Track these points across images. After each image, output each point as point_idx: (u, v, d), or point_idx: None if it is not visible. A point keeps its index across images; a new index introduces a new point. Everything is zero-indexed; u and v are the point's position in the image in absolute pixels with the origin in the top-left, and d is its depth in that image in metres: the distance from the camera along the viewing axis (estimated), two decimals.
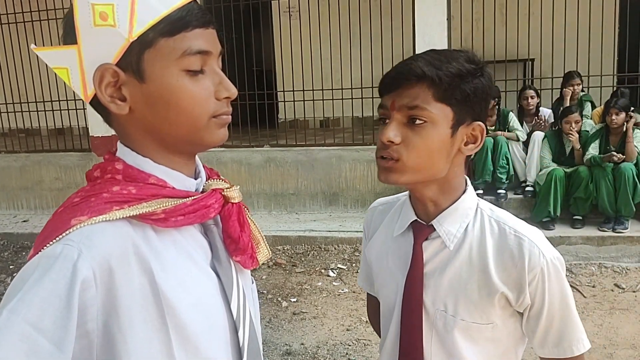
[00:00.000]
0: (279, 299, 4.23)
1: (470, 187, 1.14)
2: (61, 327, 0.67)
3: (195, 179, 0.87)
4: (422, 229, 1.12)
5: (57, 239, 0.72)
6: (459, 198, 1.11)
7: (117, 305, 0.72)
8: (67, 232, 0.72)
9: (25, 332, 0.65)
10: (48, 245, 0.71)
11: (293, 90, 6.24)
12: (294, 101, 6.29)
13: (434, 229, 1.10)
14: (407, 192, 1.19)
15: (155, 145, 0.81)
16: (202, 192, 0.85)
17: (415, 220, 1.13)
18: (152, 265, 0.75)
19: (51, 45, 0.82)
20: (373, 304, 1.36)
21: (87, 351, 0.70)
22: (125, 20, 0.75)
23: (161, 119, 0.79)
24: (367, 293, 1.40)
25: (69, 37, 0.78)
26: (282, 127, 7.31)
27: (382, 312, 1.23)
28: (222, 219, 0.86)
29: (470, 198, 1.12)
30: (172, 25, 0.76)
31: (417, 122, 1.00)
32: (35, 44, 0.83)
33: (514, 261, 1.06)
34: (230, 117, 0.84)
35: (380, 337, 1.30)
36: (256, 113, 6.14)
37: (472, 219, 1.10)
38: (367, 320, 3.76)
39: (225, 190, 0.86)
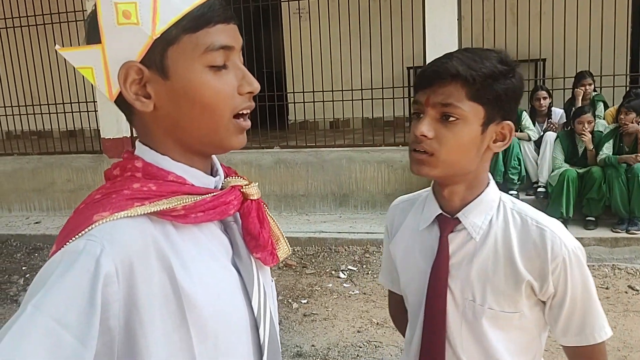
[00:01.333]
0: (290, 300, 4.23)
1: (492, 181, 1.18)
2: (85, 322, 0.67)
3: (214, 176, 0.87)
4: (447, 222, 1.16)
5: (80, 234, 0.72)
6: (483, 191, 1.15)
7: (138, 301, 0.72)
8: (90, 227, 0.72)
9: (49, 327, 0.65)
10: (71, 241, 0.72)
11: (303, 92, 6.24)
12: (303, 102, 6.29)
13: (459, 222, 1.15)
14: (428, 188, 1.24)
15: (175, 143, 0.82)
16: (220, 189, 0.85)
17: (441, 213, 1.17)
18: (172, 262, 0.76)
19: (66, 46, 0.83)
20: (395, 301, 1.40)
21: (108, 347, 0.71)
22: (148, 17, 0.75)
23: (184, 116, 0.80)
24: (389, 291, 1.43)
25: (93, 36, 0.79)
26: (292, 129, 7.31)
27: (409, 306, 1.26)
28: (242, 215, 0.87)
29: (494, 191, 1.17)
30: (194, 22, 0.77)
31: (450, 118, 1.05)
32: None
33: (537, 251, 1.10)
34: (249, 122, 0.85)
35: (403, 335, 1.33)
36: (266, 114, 6.15)
37: (495, 211, 1.15)
38: (378, 322, 3.76)
39: (244, 187, 0.86)
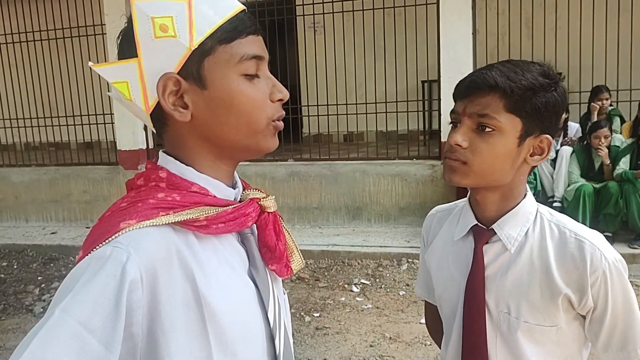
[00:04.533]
0: (302, 313, 4.22)
1: (529, 192, 1.17)
2: (110, 327, 0.68)
3: (233, 189, 0.89)
4: (482, 233, 1.15)
5: (107, 241, 0.73)
6: (519, 203, 1.14)
7: (161, 309, 0.73)
8: (116, 235, 0.74)
9: (76, 331, 0.67)
10: (98, 247, 0.73)
11: (317, 105, 6.27)
12: (318, 115, 6.31)
13: (495, 233, 1.13)
14: (465, 199, 1.23)
15: (208, 152, 0.84)
16: (239, 201, 0.87)
17: (476, 224, 1.16)
18: (194, 271, 0.77)
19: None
20: (431, 312, 1.39)
21: (131, 354, 0.72)
22: (185, 30, 0.78)
23: (221, 124, 0.82)
24: (425, 301, 1.43)
25: (128, 51, 0.81)
26: (306, 142, 7.33)
27: (443, 317, 1.25)
28: (259, 227, 0.88)
29: (531, 203, 1.15)
30: (228, 33, 0.80)
31: (486, 129, 1.05)
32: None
33: (575, 264, 1.07)
34: (282, 123, 0.88)
35: (439, 346, 1.33)
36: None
37: (532, 223, 1.13)
38: (391, 336, 3.73)
39: (261, 199, 0.88)
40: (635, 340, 1.10)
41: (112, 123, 6.60)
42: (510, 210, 1.13)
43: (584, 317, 1.11)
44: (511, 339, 1.11)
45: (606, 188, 4.91)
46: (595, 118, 5.58)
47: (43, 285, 5.14)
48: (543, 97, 1.05)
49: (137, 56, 0.79)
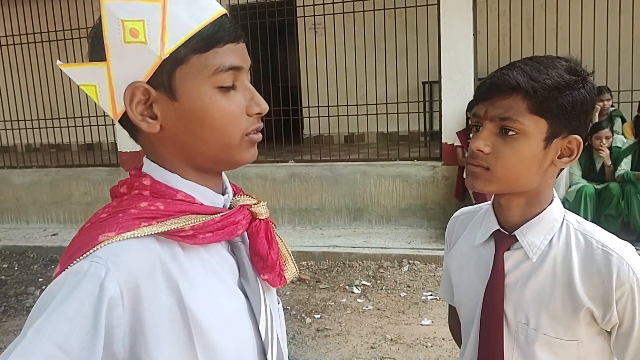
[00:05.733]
0: (303, 315, 4.21)
1: (557, 199, 1.11)
2: (88, 347, 0.65)
3: (223, 194, 0.85)
4: (504, 239, 1.10)
5: (84, 255, 0.70)
6: (545, 209, 1.08)
7: (144, 325, 0.69)
8: (95, 248, 0.70)
9: (50, 352, 0.63)
10: (75, 262, 0.70)
11: (318, 106, 6.26)
12: (318, 117, 6.31)
13: (517, 240, 1.08)
14: (490, 202, 1.17)
15: (185, 163, 0.80)
16: (229, 208, 0.83)
17: (498, 229, 1.11)
18: (179, 284, 0.73)
19: (80, 62, 0.80)
20: (455, 315, 1.34)
21: None
22: (156, 36, 0.73)
23: (193, 137, 0.77)
24: (449, 304, 1.38)
25: (97, 53, 0.76)
26: (306, 143, 7.33)
27: (462, 321, 1.22)
28: (250, 235, 0.84)
29: (557, 210, 1.09)
30: (204, 42, 0.75)
31: (509, 133, 0.99)
32: (67, 61, 0.83)
33: (600, 277, 1.02)
34: (260, 135, 0.83)
35: (459, 348, 1.29)
36: (281, 128, 6.17)
37: (557, 231, 1.07)
38: (392, 338, 3.72)
39: (252, 206, 0.83)
40: None
41: (113, 125, 6.59)
42: (535, 216, 1.07)
43: (608, 333, 1.06)
44: (529, 351, 1.06)
45: (607, 189, 4.90)
46: (596, 119, 5.56)
47: (44, 287, 5.13)
48: (570, 96, 0.98)
49: (105, 60, 0.74)
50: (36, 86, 7.13)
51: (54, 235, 6.56)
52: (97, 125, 6.80)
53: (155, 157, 0.81)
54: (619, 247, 1.04)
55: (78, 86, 0.80)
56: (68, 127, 7.04)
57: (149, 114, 0.77)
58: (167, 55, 0.74)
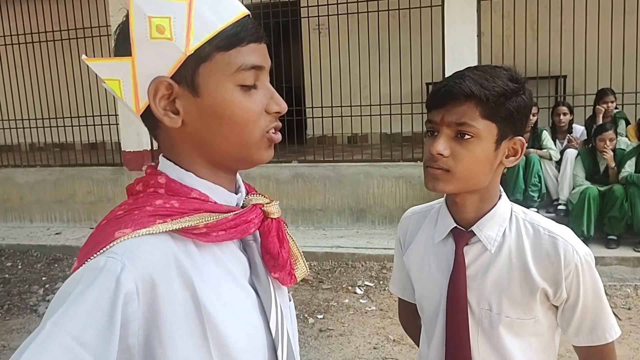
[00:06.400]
0: (306, 315, 4.21)
1: (504, 194, 1.22)
2: (103, 340, 0.66)
3: (236, 193, 0.86)
4: (462, 235, 1.20)
5: (101, 251, 0.71)
6: (496, 204, 1.19)
7: (159, 320, 0.71)
8: (111, 244, 0.72)
9: (68, 345, 0.65)
10: (92, 257, 0.71)
11: (322, 107, 6.27)
12: (322, 117, 6.32)
13: (474, 234, 1.18)
14: (439, 200, 1.28)
15: (203, 160, 0.82)
16: (242, 207, 0.84)
17: (455, 227, 1.20)
18: (194, 280, 0.74)
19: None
20: (406, 308, 1.45)
21: None
22: (182, 33, 0.75)
23: (213, 134, 0.79)
24: (400, 298, 1.47)
25: (123, 48, 0.78)
26: (310, 143, 7.33)
27: (425, 317, 1.29)
28: (262, 234, 0.86)
29: (505, 204, 1.21)
30: (227, 40, 0.77)
31: (465, 136, 1.09)
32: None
33: (550, 259, 1.14)
34: (280, 135, 0.85)
35: (416, 343, 1.39)
36: (285, 129, 6.14)
37: (508, 222, 1.19)
38: (395, 339, 3.72)
39: (265, 205, 0.85)
40: (603, 325, 1.18)
41: (117, 124, 6.62)
42: (488, 212, 1.18)
43: (556, 307, 1.18)
44: (493, 333, 1.17)
45: (611, 191, 4.89)
46: (600, 121, 5.55)
47: (47, 285, 5.15)
48: (514, 102, 1.09)
49: (131, 55, 0.76)
50: (40, 85, 7.15)
51: (57, 234, 6.58)
52: (101, 125, 6.82)
53: (173, 154, 0.82)
54: (562, 231, 1.17)
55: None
56: (72, 126, 7.06)
57: (171, 109, 0.79)
58: (192, 52, 0.76)
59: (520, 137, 1.14)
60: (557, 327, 1.22)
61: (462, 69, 1.14)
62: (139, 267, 0.70)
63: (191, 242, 0.77)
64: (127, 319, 0.69)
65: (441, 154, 1.09)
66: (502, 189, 1.22)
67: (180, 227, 0.75)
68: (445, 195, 1.23)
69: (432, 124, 1.12)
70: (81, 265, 0.72)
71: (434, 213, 1.30)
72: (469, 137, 1.08)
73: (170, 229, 0.74)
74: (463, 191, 1.15)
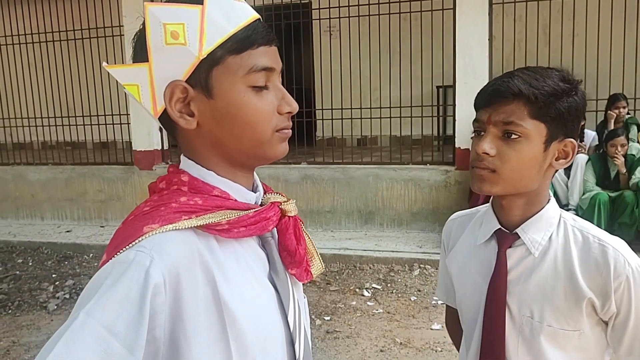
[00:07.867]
0: (313, 317, 4.21)
1: (553, 198, 1.18)
2: (133, 331, 0.69)
3: (254, 192, 0.89)
4: (506, 237, 1.16)
5: (130, 245, 0.74)
6: (543, 207, 1.15)
7: (183, 313, 0.74)
8: (140, 239, 0.74)
9: (100, 334, 0.67)
10: (121, 251, 0.74)
11: (331, 108, 6.27)
12: (332, 119, 6.32)
13: (518, 237, 1.14)
14: (486, 205, 1.25)
15: (220, 158, 0.85)
16: (260, 205, 0.87)
17: (499, 228, 1.17)
18: (215, 275, 0.77)
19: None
20: (452, 315, 1.41)
21: (153, 357, 0.72)
22: (195, 38, 0.78)
23: (227, 134, 0.82)
24: (446, 305, 1.45)
25: (140, 55, 0.82)
26: (319, 145, 7.34)
27: (464, 321, 1.26)
28: (279, 231, 0.89)
29: (554, 208, 1.16)
30: (239, 44, 0.80)
31: (512, 136, 1.06)
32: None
33: (598, 269, 1.08)
34: (290, 131, 0.88)
35: (457, 348, 1.35)
36: (295, 130, 6.16)
37: (555, 227, 1.14)
38: (401, 342, 3.71)
39: (282, 203, 0.88)
40: None
41: (128, 124, 6.67)
42: (534, 215, 1.13)
43: (606, 323, 1.11)
44: (534, 342, 1.11)
45: (622, 197, 4.86)
46: (612, 126, 5.52)
47: (57, 282, 5.19)
48: (565, 102, 1.06)
49: (148, 61, 0.80)
50: (53, 84, 7.22)
51: (68, 232, 6.63)
52: (112, 124, 6.86)
53: (192, 153, 0.86)
54: (614, 241, 1.11)
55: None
56: (84, 125, 7.12)
57: (186, 112, 0.82)
58: (205, 56, 0.79)
59: (572, 139, 1.11)
60: (608, 347, 1.14)
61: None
62: (166, 261, 0.73)
63: (213, 238, 0.80)
64: (155, 311, 0.71)
65: (487, 154, 1.06)
66: (551, 194, 1.18)
67: (205, 223, 0.78)
68: (491, 198, 1.20)
69: (479, 124, 1.11)
70: (110, 259, 0.75)
71: (479, 216, 1.27)
72: (516, 136, 1.05)
73: (195, 225, 0.77)
74: (510, 193, 1.11)
